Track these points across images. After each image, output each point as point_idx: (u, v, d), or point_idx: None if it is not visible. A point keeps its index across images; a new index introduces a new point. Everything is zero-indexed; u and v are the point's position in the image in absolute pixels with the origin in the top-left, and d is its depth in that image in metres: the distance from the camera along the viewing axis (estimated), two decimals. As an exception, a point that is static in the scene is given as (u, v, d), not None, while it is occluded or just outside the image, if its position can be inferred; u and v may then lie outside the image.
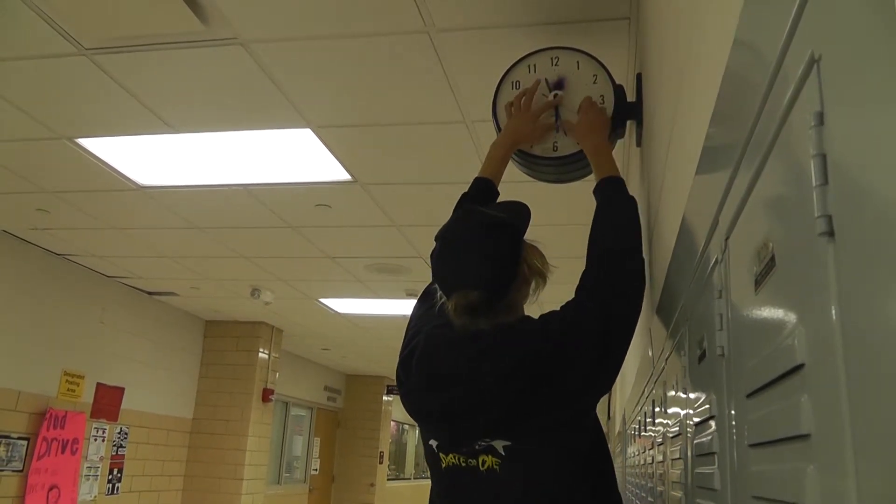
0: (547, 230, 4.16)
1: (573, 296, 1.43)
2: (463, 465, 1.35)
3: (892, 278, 0.38)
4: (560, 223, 4.14)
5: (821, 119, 0.50)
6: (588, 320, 1.35)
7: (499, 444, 1.30)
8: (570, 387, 1.31)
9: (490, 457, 1.31)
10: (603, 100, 1.92)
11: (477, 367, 1.32)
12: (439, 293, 1.42)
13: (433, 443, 1.41)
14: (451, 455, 1.37)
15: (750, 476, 0.74)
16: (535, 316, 1.42)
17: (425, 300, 1.62)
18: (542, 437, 1.32)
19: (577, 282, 1.44)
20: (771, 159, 0.65)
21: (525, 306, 1.48)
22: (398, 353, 1.50)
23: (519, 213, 1.46)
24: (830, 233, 0.48)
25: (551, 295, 1.50)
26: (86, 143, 3.59)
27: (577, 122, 1.85)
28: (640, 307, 1.43)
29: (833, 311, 0.47)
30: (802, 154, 0.52)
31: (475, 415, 1.31)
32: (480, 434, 1.31)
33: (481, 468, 1.32)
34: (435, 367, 1.38)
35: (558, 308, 1.40)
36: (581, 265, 1.47)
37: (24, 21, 2.55)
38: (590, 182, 1.73)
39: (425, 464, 1.58)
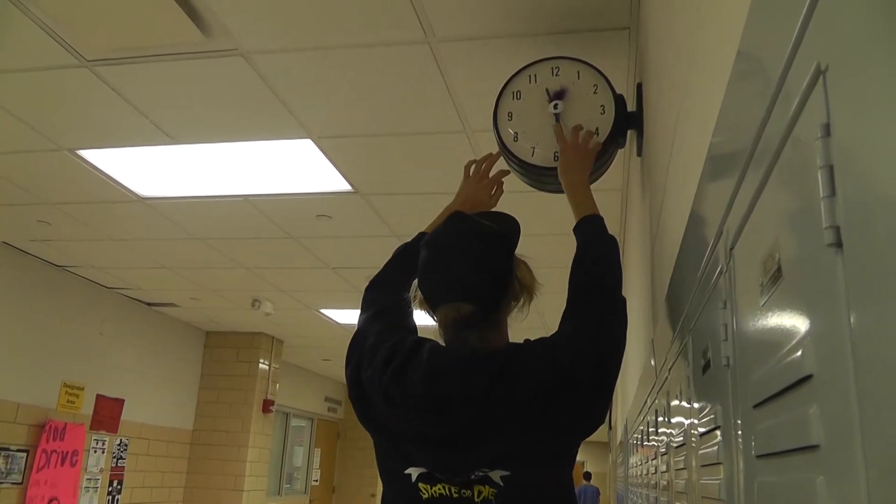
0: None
1: (558, 328, 1.40)
2: (455, 496, 1.26)
3: (903, 289, 0.38)
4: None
5: (827, 130, 0.50)
6: (584, 351, 1.32)
7: (496, 475, 1.24)
8: (573, 417, 1.28)
9: (487, 487, 1.24)
10: (604, 109, 1.93)
11: (491, 390, 1.25)
12: (411, 307, 1.35)
13: (413, 471, 1.29)
14: (438, 486, 1.27)
15: (757, 487, 0.74)
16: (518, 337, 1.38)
17: (381, 318, 1.51)
18: (539, 469, 1.28)
19: (564, 305, 1.42)
20: (776, 170, 0.65)
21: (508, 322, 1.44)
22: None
23: (511, 226, 1.42)
24: (839, 244, 0.48)
25: (546, 304, 1.49)
26: (87, 154, 3.59)
27: (561, 155, 1.81)
28: (625, 344, 1.41)
29: (842, 323, 0.47)
30: (809, 165, 0.52)
31: (485, 441, 1.24)
32: (484, 462, 1.24)
33: (476, 499, 1.25)
34: (443, 386, 1.27)
35: (549, 336, 1.37)
36: (564, 275, 1.46)
37: (25, 33, 2.56)
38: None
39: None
